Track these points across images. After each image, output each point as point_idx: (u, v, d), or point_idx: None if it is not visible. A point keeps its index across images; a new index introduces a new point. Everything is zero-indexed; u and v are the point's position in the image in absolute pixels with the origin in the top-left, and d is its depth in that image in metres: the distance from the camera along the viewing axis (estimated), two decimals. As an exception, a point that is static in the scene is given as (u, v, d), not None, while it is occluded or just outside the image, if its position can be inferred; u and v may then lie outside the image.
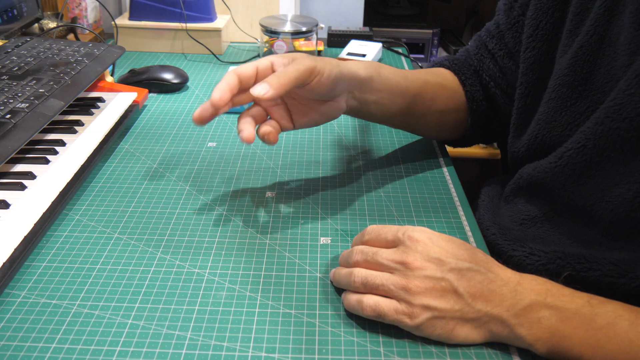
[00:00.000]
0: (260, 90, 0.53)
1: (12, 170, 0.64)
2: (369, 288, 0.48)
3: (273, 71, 0.58)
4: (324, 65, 0.58)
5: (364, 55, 1.07)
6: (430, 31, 1.71)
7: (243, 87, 0.57)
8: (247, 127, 0.56)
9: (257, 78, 0.57)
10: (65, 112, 0.76)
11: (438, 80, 0.74)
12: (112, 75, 0.95)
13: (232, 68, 0.59)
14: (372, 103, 0.66)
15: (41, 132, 0.67)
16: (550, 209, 0.61)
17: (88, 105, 0.80)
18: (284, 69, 0.55)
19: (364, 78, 0.63)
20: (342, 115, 0.89)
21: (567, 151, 0.57)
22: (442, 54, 1.80)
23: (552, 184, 0.60)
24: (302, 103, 0.61)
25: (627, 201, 0.51)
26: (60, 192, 0.62)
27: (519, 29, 0.70)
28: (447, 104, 0.74)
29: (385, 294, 0.47)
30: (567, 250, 0.56)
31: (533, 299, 0.46)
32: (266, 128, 0.58)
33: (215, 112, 0.56)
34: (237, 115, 0.87)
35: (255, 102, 0.60)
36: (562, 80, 0.61)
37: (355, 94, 0.63)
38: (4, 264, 0.51)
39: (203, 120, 0.56)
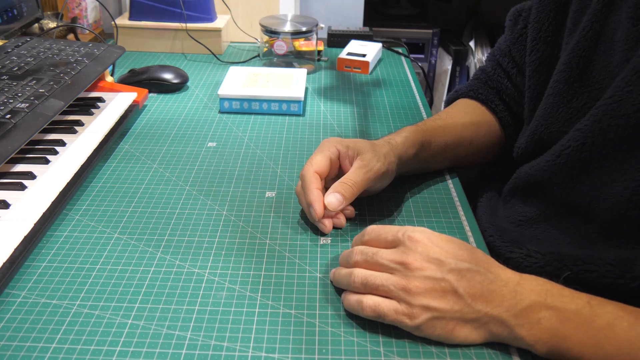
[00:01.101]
0: (336, 203, 0.58)
1: (12, 170, 0.64)
2: (368, 288, 0.48)
3: (339, 162, 0.62)
4: (389, 167, 0.61)
5: (364, 55, 1.07)
6: (430, 31, 1.71)
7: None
8: (329, 224, 0.60)
9: (331, 168, 0.62)
10: (65, 112, 0.76)
11: (472, 119, 0.75)
12: (112, 75, 0.95)
13: (308, 167, 0.61)
14: (416, 170, 0.69)
15: (41, 132, 0.67)
16: (547, 208, 0.61)
17: (88, 106, 0.80)
18: (354, 176, 0.59)
19: (412, 159, 0.66)
20: (341, 113, 0.89)
21: (566, 149, 0.57)
22: (442, 54, 1.80)
23: (549, 183, 0.60)
24: None
25: (625, 199, 0.51)
26: (60, 192, 0.62)
27: (523, 41, 0.71)
28: (486, 141, 0.75)
29: (385, 294, 0.47)
30: (563, 251, 0.56)
31: (533, 300, 0.46)
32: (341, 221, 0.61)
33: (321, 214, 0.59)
34: (237, 116, 0.87)
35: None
36: (559, 76, 0.61)
37: (401, 171, 0.66)
38: (4, 264, 0.51)
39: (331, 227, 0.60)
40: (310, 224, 0.62)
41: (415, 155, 0.66)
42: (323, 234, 0.60)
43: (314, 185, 0.59)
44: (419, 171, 0.70)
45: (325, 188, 0.61)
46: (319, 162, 0.60)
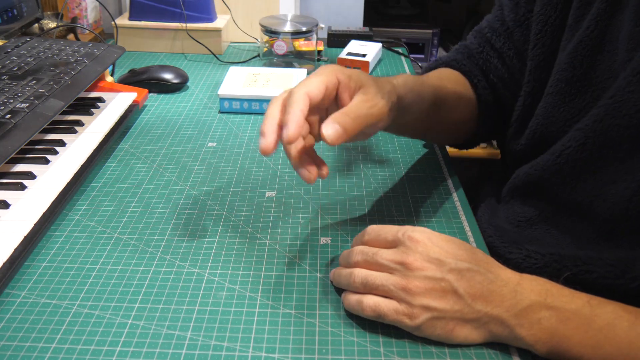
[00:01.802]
0: (334, 134, 0.48)
1: (12, 170, 0.64)
2: (368, 288, 0.48)
3: (337, 94, 0.53)
4: (392, 107, 0.54)
5: (364, 55, 1.07)
6: (430, 31, 1.71)
7: (311, 110, 0.51)
8: (314, 171, 0.51)
9: (325, 96, 0.52)
10: (65, 112, 0.76)
11: (456, 88, 0.71)
12: (112, 75, 0.95)
13: (290, 91, 0.51)
14: (400, 126, 0.64)
15: (41, 132, 0.67)
16: (546, 208, 0.61)
17: (88, 105, 0.80)
18: (357, 109, 0.50)
19: (406, 107, 0.59)
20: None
21: (567, 149, 0.57)
22: (442, 54, 1.80)
23: (549, 182, 0.60)
24: None
25: (625, 199, 0.51)
26: (60, 192, 0.62)
27: (527, 26, 0.68)
28: (462, 114, 0.72)
29: (385, 294, 0.47)
30: (563, 252, 0.56)
31: (533, 300, 0.46)
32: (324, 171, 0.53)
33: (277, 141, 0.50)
34: (237, 116, 0.87)
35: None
36: (560, 75, 0.60)
37: (394, 119, 0.57)
38: (4, 264, 0.51)
39: (271, 151, 0.50)
40: (310, 224, 0.62)
41: (410, 104, 0.59)
42: (323, 234, 0.60)
43: (299, 106, 0.48)
44: (400, 129, 0.65)
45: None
46: (313, 85, 0.50)
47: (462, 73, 0.74)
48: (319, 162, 0.53)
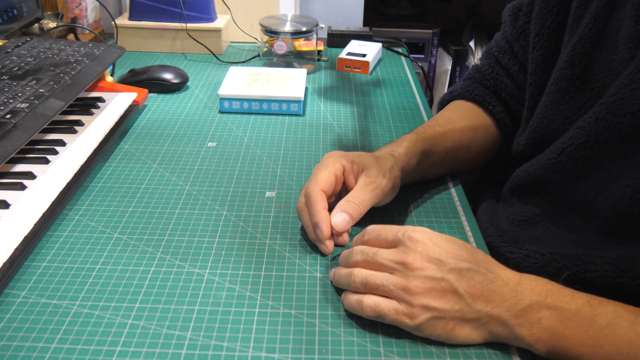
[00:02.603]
0: (343, 223, 0.56)
1: (12, 170, 0.64)
2: (368, 288, 0.48)
3: (343, 177, 0.60)
4: (395, 181, 0.60)
5: (364, 55, 1.07)
6: (430, 31, 1.71)
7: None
8: (331, 245, 0.57)
9: (336, 184, 0.59)
10: (65, 112, 0.76)
11: (470, 123, 0.73)
12: (112, 75, 0.95)
13: (312, 186, 0.58)
14: (417, 179, 0.68)
15: (41, 132, 0.67)
16: (546, 207, 0.61)
17: (88, 105, 0.80)
18: (361, 194, 0.57)
19: (414, 169, 0.65)
20: (341, 113, 0.89)
21: (568, 147, 0.57)
22: (442, 54, 1.80)
23: (550, 181, 0.60)
24: None
25: (627, 197, 0.51)
26: (60, 192, 0.62)
27: (526, 38, 0.70)
28: (483, 145, 0.74)
29: (385, 294, 0.47)
30: (563, 251, 0.56)
31: (533, 300, 0.46)
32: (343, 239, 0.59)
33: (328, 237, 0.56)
34: (237, 116, 0.87)
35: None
36: (560, 73, 0.61)
37: (403, 182, 0.64)
38: (4, 264, 0.51)
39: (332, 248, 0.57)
40: (310, 224, 0.62)
41: (417, 165, 0.65)
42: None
43: (321, 205, 0.56)
44: (419, 180, 0.69)
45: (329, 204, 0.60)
46: (324, 179, 0.58)
47: (476, 103, 0.76)
48: (339, 234, 0.58)
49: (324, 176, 0.58)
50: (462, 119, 0.74)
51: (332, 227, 0.56)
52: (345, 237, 0.58)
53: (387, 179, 0.59)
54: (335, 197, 0.61)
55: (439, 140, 0.68)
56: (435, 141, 0.68)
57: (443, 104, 0.80)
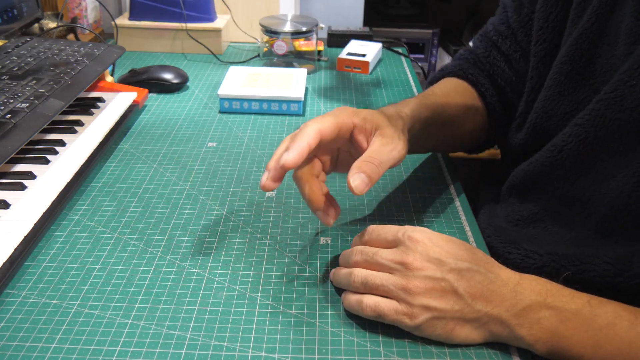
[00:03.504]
0: (362, 185, 0.49)
1: (12, 170, 0.64)
2: (368, 288, 0.48)
3: (353, 136, 0.53)
4: (405, 143, 0.54)
5: (364, 55, 1.07)
6: (430, 31, 1.71)
7: (322, 148, 0.53)
8: (333, 207, 0.52)
9: (338, 136, 0.52)
10: (65, 112, 0.76)
11: (462, 101, 0.70)
12: (112, 75, 0.95)
13: (307, 127, 0.50)
14: (412, 149, 0.62)
15: (41, 132, 0.67)
16: (545, 205, 0.61)
17: (88, 105, 0.80)
18: (379, 154, 0.51)
19: (416, 135, 0.60)
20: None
21: (568, 144, 0.57)
22: (442, 54, 1.80)
23: (549, 178, 0.60)
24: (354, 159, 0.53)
25: (625, 194, 0.51)
26: (60, 192, 0.62)
27: (530, 27, 0.68)
28: (472, 125, 0.73)
29: (385, 294, 0.47)
30: (561, 251, 0.56)
31: (533, 300, 0.46)
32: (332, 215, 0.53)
33: (284, 173, 0.50)
34: (237, 116, 0.87)
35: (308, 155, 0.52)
36: (559, 68, 0.60)
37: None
38: (4, 264, 0.51)
39: (272, 187, 0.51)
40: (310, 224, 0.62)
41: (419, 132, 0.61)
42: (323, 234, 0.60)
43: (307, 139, 0.49)
44: (411, 151, 0.65)
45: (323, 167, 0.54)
46: (327, 123, 0.51)
47: (469, 82, 0.73)
48: (333, 204, 0.54)
49: (329, 121, 0.51)
50: (457, 95, 0.71)
51: (326, 198, 0.51)
52: (338, 212, 0.54)
53: (403, 141, 0.54)
54: (330, 159, 0.56)
55: (439, 110, 0.65)
56: (436, 110, 0.64)
57: (433, 81, 0.77)
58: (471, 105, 0.72)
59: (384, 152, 0.51)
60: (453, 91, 0.72)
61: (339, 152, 0.56)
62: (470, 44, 0.79)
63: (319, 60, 1.10)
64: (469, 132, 0.73)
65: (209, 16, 1.12)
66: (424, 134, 0.63)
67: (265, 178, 0.50)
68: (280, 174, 0.50)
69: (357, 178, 0.49)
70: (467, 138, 0.74)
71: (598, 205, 0.54)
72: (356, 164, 0.50)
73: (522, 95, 0.70)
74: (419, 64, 1.24)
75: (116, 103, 0.81)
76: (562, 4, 0.63)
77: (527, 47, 0.69)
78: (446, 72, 0.76)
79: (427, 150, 0.71)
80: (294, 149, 0.49)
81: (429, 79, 0.79)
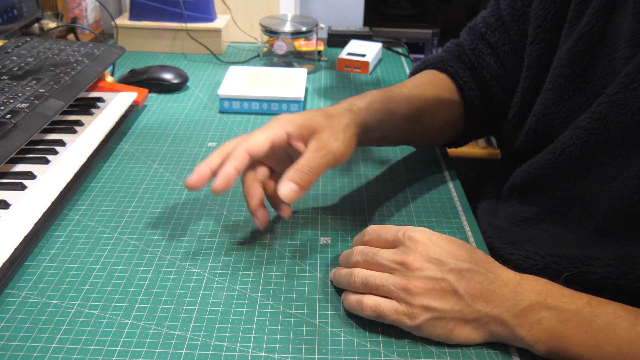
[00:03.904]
0: (291, 193, 0.51)
1: (12, 170, 0.64)
2: (369, 288, 0.48)
3: (288, 143, 0.55)
4: (349, 142, 0.56)
5: (364, 55, 1.07)
6: (430, 31, 1.71)
7: (255, 160, 0.55)
8: (262, 212, 0.55)
9: (273, 149, 0.55)
10: (65, 112, 0.76)
11: (436, 93, 0.70)
12: (112, 75, 0.95)
13: (238, 139, 0.54)
14: (375, 141, 0.65)
15: (41, 132, 0.67)
16: (546, 206, 0.61)
17: (88, 105, 0.80)
18: (309, 161, 0.52)
19: (375, 127, 0.61)
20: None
21: (569, 147, 0.57)
22: (442, 54, 1.80)
23: (550, 180, 0.60)
24: None
25: (626, 196, 0.51)
26: (60, 192, 0.62)
27: (525, 21, 0.67)
28: (446, 118, 0.72)
29: (385, 294, 0.47)
30: (562, 252, 0.56)
31: (533, 300, 0.46)
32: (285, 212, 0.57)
33: (204, 181, 0.53)
34: (237, 116, 0.87)
35: (257, 160, 0.56)
36: (559, 71, 0.60)
37: (361, 140, 0.60)
38: (4, 264, 0.51)
39: (193, 189, 0.54)
40: (310, 224, 0.62)
41: (379, 123, 0.61)
42: (323, 234, 0.60)
43: (234, 163, 0.52)
44: (377, 143, 0.66)
45: (275, 177, 0.57)
46: (255, 141, 0.53)
47: (448, 75, 0.73)
48: (280, 205, 0.57)
49: (257, 139, 0.53)
50: (431, 87, 0.71)
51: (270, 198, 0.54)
52: (286, 211, 0.56)
53: (340, 142, 0.54)
54: (279, 165, 0.58)
55: (404, 103, 0.65)
56: (400, 102, 0.64)
57: (414, 73, 0.77)
58: (446, 99, 0.71)
59: (315, 158, 0.53)
60: (427, 84, 0.71)
61: (293, 154, 0.57)
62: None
63: (319, 60, 1.10)
64: (442, 126, 0.72)
65: (209, 16, 1.12)
66: (386, 125, 0.63)
67: (190, 180, 0.53)
68: (204, 183, 0.54)
69: (286, 187, 0.51)
70: (439, 132, 0.73)
71: (599, 207, 0.54)
72: (287, 172, 0.52)
73: (508, 89, 0.70)
74: (419, 64, 1.24)
75: (116, 103, 0.81)
76: (561, 3, 0.62)
77: (520, 41, 0.68)
78: (427, 64, 0.76)
79: (394, 143, 0.70)
80: (221, 175, 0.52)
81: (411, 70, 0.79)
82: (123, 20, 1.12)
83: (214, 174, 0.53)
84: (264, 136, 0.53)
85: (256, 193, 0.55)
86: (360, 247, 0.51)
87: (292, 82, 0.92)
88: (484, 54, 0.71)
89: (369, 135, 0.61)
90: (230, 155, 0.53)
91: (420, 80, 0.72)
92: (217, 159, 0.54)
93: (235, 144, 0.54)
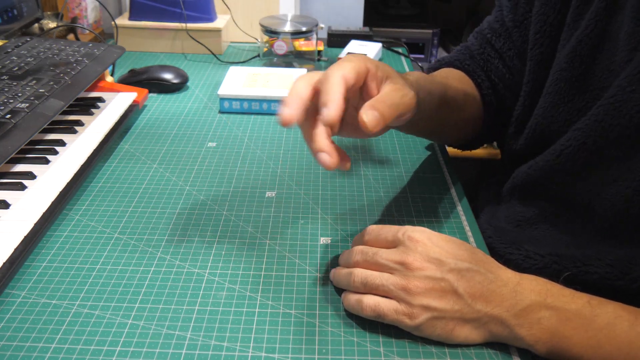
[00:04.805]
0: (373, 119, 0.46)
1: (12, 170, 0.64)
2: (368, 288, 0.48)
3: (364, 83, 0.51)
4: (415, 94, 0.52)
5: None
6: (430, 31, 1.71)
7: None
8: (335, 157, 0.47)
9: (356, 83, 0.50)
10: (65, 112, 0.76)
11: (462, 87, 0.70)
12: (112, 75, 0.95)
13: (304, 75, 0.49)
14: (414, 122, 0.60)
15: (41, 132, 0.67)
16: (546, 208, 0.61)
17: (88, 105, 0.80)
18: (391, 97, 0.49)
19: (418, 98, 0.56)
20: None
21: (567, 148, 0.57)
22: (442, 54, 1.80)
23: (549, 182, 0.60)
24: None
25: (626, 198, 0.51)
26: (60, 192, 0.62)
27: (527, 26, 0.68)
28: (472, 113, 0.72)
29: (385, 294, 0.47)
30: (562, 252, 0.56)
31: (533, 300, 0.46)
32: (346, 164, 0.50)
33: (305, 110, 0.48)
34: (237, 116, 0.87)
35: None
36: (559, 75, 0.60)
37: None
38: (4, 264, 0.51)
39: (293, 122, 0.47)
40: (310, 224, 0.62)
41: (422, 102, 0.57)
42: (323, 234, 0.60)
43: (339, 88, 0.47)
44: (412, 127, 0.63)
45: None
46: (348, 69, 0.48)
47: (466, 73, 0.73)
48: (341, 153, 0.50)
49: (348, 67, 0.49)
50: (456, 81, 0.71)
51: (336, 150, 0.47)
52: (347, 163, 0.50)
53: (413, 93, 0.52)
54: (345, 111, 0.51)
55: (441, 87, 0.64)
56: (438, 86, 0.63)
57: (431, 70, 0.76)
58: (469, 93, 0.71)
59: (396, 96, 0.49)
60: (453, 77, 0.71)
61: (349, 103, 0.53)
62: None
63: (319, 60, 1.10)
64: (467, 120, 0.72)
65: (209, 16, 1.12)
66: (427, 106, 0.60)
67: (289, 112, 0.46)
68: (303, 113, 0.47)
69: (370, 114, 0.46)
70: (464, 125, 0.73)
71: (599, 210, 0.54)
72: (369, 102, 0.47)
73: (516, 94, 0.70)
74: (419, 64, 1.24)
75: (116, 103, 0.81)
76: (560, 8, 0.63)
77: (522, 47, 0.69)
78: (443, 63, 0.76)
79: (423, 130, 0.68)
80: (333, 101, 0.46)
81: (425, 69, 0.79)
82: (123, 20, 1.12)
83: (307, 106, 0.47)
84: (352, 65, 0.49)
85: (340, 102, 0.47)
86: (360, 247, 0.51)
87: (292, 82, 0.91)
88: (492, 57, 0.72)
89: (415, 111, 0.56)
90: (330, 82, 0.47)
91: (447, 73, 0.71)
92: (305, 89, 0.48)
93: (327, 73, 0.48)
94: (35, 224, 0.56)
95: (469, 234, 0.62)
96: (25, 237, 0.55)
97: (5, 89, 0.70)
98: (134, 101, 0.84)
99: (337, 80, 0.47)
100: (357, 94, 0.52)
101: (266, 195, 0.67)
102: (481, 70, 0.73)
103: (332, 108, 0.46)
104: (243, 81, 0.91)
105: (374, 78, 0.51)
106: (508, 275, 0.48)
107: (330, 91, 0.46)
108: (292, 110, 0.46)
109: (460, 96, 0.68)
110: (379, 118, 0.46)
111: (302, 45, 1.06)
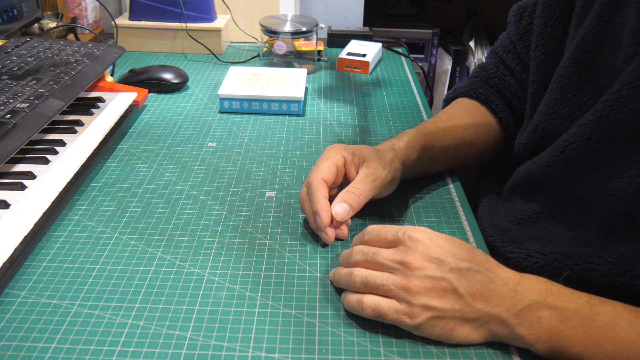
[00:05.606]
0: (343, 213, 0.57)
1: (12, 170, 0.64)
2: (369, 288, 0.48)
3: (344, 169, 0.61)
4: (395, 173, 0.61)
5: (364, 55, 1.07)
6: (430, 31, 1.71)
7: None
8: (332, 234, 0.58)
9: (338, 174, 0.61)
10: (65, 112, 0.76)
11: (472, 121, 0.74)
12: (112, 75, 0.95)
13: (315, 178, 0.59)
14: (418, 174, 0.69)
15: (41, 132, 0.67)
16: (547, 205, 0.61)
17: (88, 105, 0.80)
18: (361, 185, 0.58)
19: (415, 163, 0.66)
20: (341, 113, 0.89)
21: (570, 144, 0.57)
22: (442, 54, 1.80)
23: (552, 178, 0.60)
24: None
25: (628, 195, 0.51)
26: (60, 192, 0.62)
27: (529, 37, 0.70)
28: (485, 142, 0.75)
29: (385, 293, 0.47)
30: (563, 250, 0.56)
31: (533, 299, 0.46)
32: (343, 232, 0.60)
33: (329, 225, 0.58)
34: (237, 116, 0.87)
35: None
36: (563, 71, 0.61)
37: (404, 176, 0.65)
38: (4, 264, 0.51)
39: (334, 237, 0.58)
40: (310, 224, 0.62)
41: (418, 160, 0.66)
42: (323, 234, 0.61)
43: (321, 194, 0.58)
44: (420, 175, 0.70)
45: (331, 196, 0.61)
46: (325, 169, 0.59)
47: (480, 102, 0.76)
48: (339, 225, 0.59)
49: (326, 166, 0.59)
50: (465, 116, 0.74)
51: (332, 217, 0.57)
52: (344, 230, 0.59)
53: (387, 171, 0.60)
54: (336, 189, 0.62)
55: (440, 136, 0.69)
56: (436, 136, 0.68)
57: (447, 101, 0.81)
58: (481, 123, 0.75)
59: (366, 182, 0.59)
60: (461, 113, 0.75)
61: (337, 190, 0.62)
62: (477, 60, 0.82)
63: (319, 60, 1.10)
64: (484, 149, 0.75)
65: (209, 16, 1.12)
66: (425, 161, 0.67)
67: (326, 236, 0.58)
68: (329, 226, 0.58)
69: (339, 207, 0.57)
70: (482, 153, 0.76)
71: (601, 206, 0.54)
72: (340, 194, 0.58)
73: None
74: (419, 64, 1.24)
75: (116, 103, 0.81)
76: (562, 10, 0.64)
77: (527, 57, 0.71)
78: (458, 93, 0.80)
79: (438, 172, 0.73)
80: (322, 210, 0.57)
81: (444, 99, 0.84)
82: (123, 20, 1.12)
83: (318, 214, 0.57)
84: (329, 162, 0.60)
85: (327, 207, 0.58)
86: (360, 247, 0.51)
87: (292, 82, 0.92)
88: (505, 75, 0.76)
89: (410, 170, 0.66)
90: (312, 190, 0.58)
91: (454, 111, 0.76)
92: (307, 205, 0.59)
93: (308, 182, 0.59)
94: (35, 224, 0.56)
95: (469, 233, 0.62)
96: (25, 237, 0.55)
97: (5, 89, 0.70)
98: (134, 101, 0.84)
99: (318, 187, 0.58)
100: (342, 179, 0.62)
101: (266, 195, 0.67)
102: (495, 92, 0.77)
103: (323, 216, 0.57)
104: (243, 81, 0.91)
105: (350, 164, 0.61)
106: (508, 274, 0.48)
107: (316, 200, 0.57)
108: (330, 234, 0.58)
109: (469, 132, 0.73)
110: (348, 209, 0.57)
111: (302, 45, 1.06)
